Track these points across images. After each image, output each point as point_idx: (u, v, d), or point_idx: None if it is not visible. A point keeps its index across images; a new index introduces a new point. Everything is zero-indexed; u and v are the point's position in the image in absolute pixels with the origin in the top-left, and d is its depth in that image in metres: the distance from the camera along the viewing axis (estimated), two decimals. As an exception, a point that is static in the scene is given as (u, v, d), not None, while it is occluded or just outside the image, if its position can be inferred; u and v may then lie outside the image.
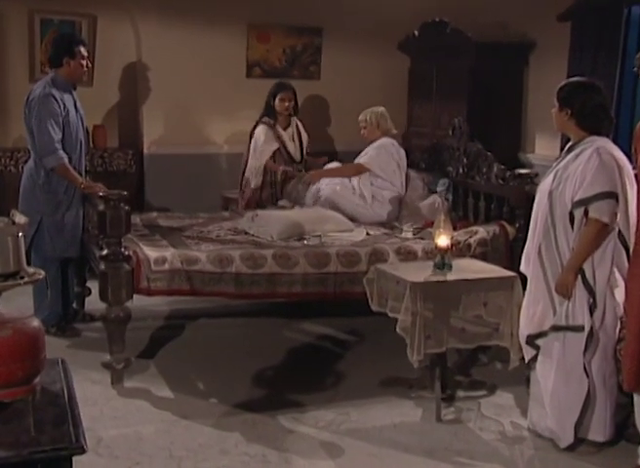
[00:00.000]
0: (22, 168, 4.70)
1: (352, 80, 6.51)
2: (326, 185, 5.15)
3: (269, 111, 5.42)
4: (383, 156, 5.11)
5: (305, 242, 4.40)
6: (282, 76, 6.33)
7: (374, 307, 3.74)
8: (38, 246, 4.40)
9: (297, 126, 5.57)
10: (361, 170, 5.11)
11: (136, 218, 4.74)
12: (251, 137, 5.46)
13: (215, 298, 4.28)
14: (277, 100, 5.40)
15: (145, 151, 6.19)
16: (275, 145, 5.41)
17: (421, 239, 4.53)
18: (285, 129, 5.49)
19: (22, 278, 1.73)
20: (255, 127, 5.45)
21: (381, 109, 5.21)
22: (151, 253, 3.98)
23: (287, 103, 5.42)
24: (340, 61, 6.49)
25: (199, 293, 4.03)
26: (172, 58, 6.10)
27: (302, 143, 5.56)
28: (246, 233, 4.60)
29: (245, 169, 5.48)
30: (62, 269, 4.58)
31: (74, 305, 4.80)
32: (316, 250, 4.23)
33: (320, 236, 4.49)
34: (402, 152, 5.23)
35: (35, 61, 5.86)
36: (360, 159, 5.17)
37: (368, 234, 4.71)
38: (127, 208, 3.78)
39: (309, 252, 4.19)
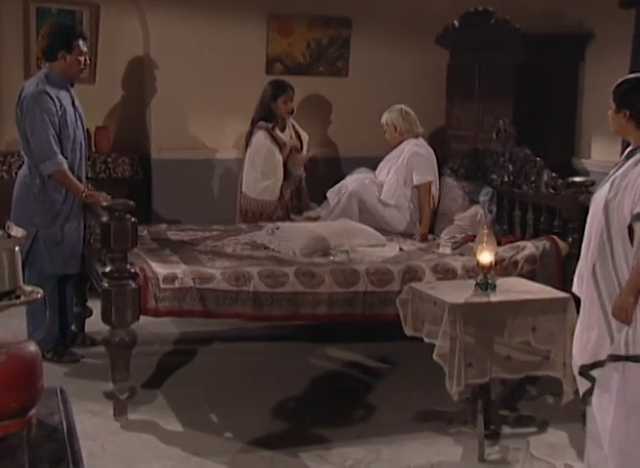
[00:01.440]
0: (16, 174, 4.75)
1: (384, 77, 6.52)
2: (352, 180, 5.20)
3: (266, 114, 5.46)
4: (425, 164, 5.14)
5: (331, 258, 4.42)
6: (306, 73, 6.36)
7: (408, 331, 3.74)
8: (33, 261, 4.42)
9: (292, 125, 5.63)
10: (428, 189, 5.11)
11: (143, 231, 4.76)
12: (247, 143, 5.48)
13: (230, 320, 4.29)
14: (279, 103, 5.46)
15: (153, 156, 6.23)
16: (279, 157, 5.44)
17: (461, 255, 4.52)
18: (282, 130, 5.54)
19: (19, 297, 1.74)
20: (251, 132, 5.47)
21: (398, 108, 5.27)
22: (160, 269, 4.01)
23: (290, 105, 5.50)
24: (371, 56, 6.50)
25: (213, 315, 4.04)
26: (183, 52, 6.14)
27: (303, 143, 5.62)
28: (265, 248, 4.63)
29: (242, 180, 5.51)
30: (60, 287, 4.60)
31: (73, 327, 4.83)
32: (343, 266, 4.24)
33: (348, 251, 4.50)
34: (433, 154, 5.26)
35: (31, 56, 5.90)
36: (415, 178, 5.12)
37: (401, 249, 4.72)
38: (133, 219, 3.81)
39: (336, 269, 4.19)
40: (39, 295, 1.76)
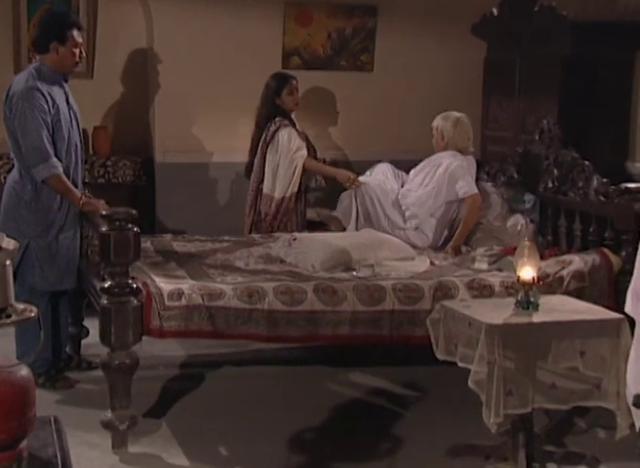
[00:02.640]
0: (5, 179, 4.78)
1: (413, 73, 6.53)
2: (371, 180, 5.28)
3: (272, 113, 5.50)
4: (470, 176, 5.14)
5: (355, 273, 4.41)
6: (326, 67, 6.38)
7: (439, 355, 3.72)
8: (24, 276, 4.42)
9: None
10: (478, 202, 5.08)
11: (146, 242, 4.77)
12: (263, 145, 5.50)
13: (242, 342, 4.31)
14: (284, 96, 5.51)
15: (157, 159, 6.26)
16: (304, 152, 5.50)
17: (500, 270, 4.51)
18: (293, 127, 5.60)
19: (10, 316, 1.75)
20: (260, 135, 5.50)
21: (455, 117, 5.24)
22: (165, 285, 4.02)
23: (297, 96, 5.56)
24: (399, 49, 6.51)
25: (223, 335, 4.05)
26: (190, 44, 6.18)
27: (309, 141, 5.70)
28: (281, 261, 4.64)
29: (258, 185, 5.54)
30: (54, 304, 4.60)
31: (67, 349, 4.84)
32: (368, 282, 4.23)
33: (373, 266, 4.49)
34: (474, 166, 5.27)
35: (21, 47, 5.94)
36: (460, 190, 5.09)
37: (432, 264, 4.71)
38: (135, 229, 3.82)
39: (359, 285, 4.19)
40: (33, 314, 1.77)
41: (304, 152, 5.52)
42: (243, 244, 5.12)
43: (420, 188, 5.26)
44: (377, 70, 6.55)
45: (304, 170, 5.54)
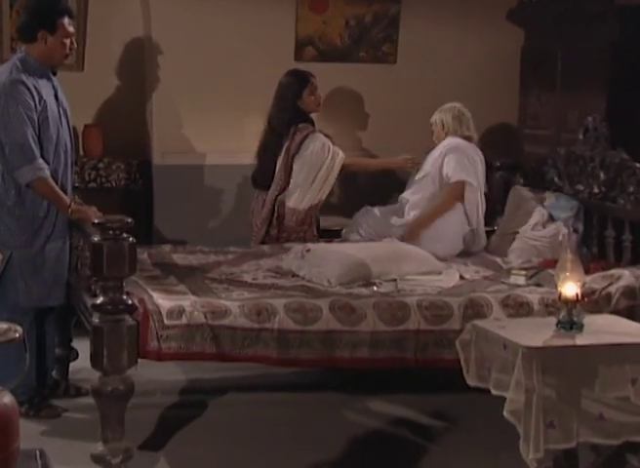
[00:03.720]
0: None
1: (441, 64, 6.53)
2: None
3: (299, 115, 5.52)
4: (464, 162, 5.24)
5: (375, 288, 4.42)
6: (344, 59, 6.37)
7: (470, 381, 3.69)
8: (6, 290, 4.44)
9: None
10: (459, 189, 5.20)
11: (143, 254, 4.79)
12: (290, 158, 5.50)
13: (250, 365, 4.28)
14: (306, 97, 5.54)
15: (155, 161, 6.28)
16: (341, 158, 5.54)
17: (538, 285, 4.50)
18: None
19: (-9, 337, 1.75)
20: (301, 142, 5.48)
21: (450, 106, 5.42)
22: (164, 301, 4.02)
23: (319, 96, 5.60)
24: (426, 38, 6.52)
25: (228, 358, 4.04)
26: (193, 33, 6.20)
27: None
28: (293, 275, 4.64)
29: (277, 197, 5.55)
30: (39, 323, 4.60)
31: (54, 374, 4.83)
32: (390, 299, 4.23)
33: (395, 280, 4.50)
34: (480, 160, 5.33)
35: (3, 36, 5.97)
36: (449, 170, 5.24)
37: (462, 278, 4.72)
38: (131, 239, 3.81)
39: (380, 302, 4.19)
40: (17, 335, 1.76)
41: (342, 154, 5.54)
42: (251, 255, 5.12)
43: (418, 179, 5.41)
44: (400, 62, 6.56)
45: (343, 170, 5.57)
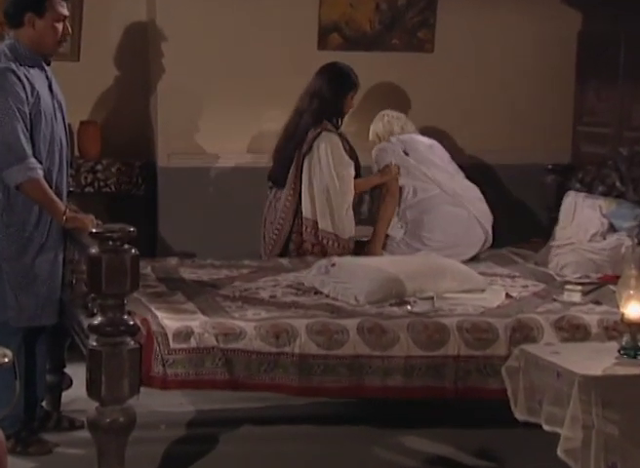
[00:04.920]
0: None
1: (486, 52, 6.53)
2: None
3: (333, 113, 5.61)
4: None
5: (409, 307, 4.41)
6: (374, 47, 6.37)
7: (519, 414, 3.69)
8: None
9: None
10: (393, 192, 5.65)
11: (146, 267, 4.80)
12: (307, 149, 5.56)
13: (266, 395, 4.29)
14: (347, 100, 5.66)
15: (160, 163, 6.30)
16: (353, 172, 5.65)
17: (597, 303, 4.50)
18: None
19: (-23, 362, 1.75)
20: (315, 136, 5.54)
21: (381, 115, 5.89)
22: (170, 321, 4.02)
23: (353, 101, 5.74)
24: (467, 22, 6.52)
25: (242, 386, 4.04)
26: (203, 18, 6.21)
27: None
28: (316, 292, 4.65)
29: (287, 203, 5.60)
30: (28, 345, 4.59)
31: (44, 404, 4.83)
32: (426, 320, 4.22)
33: (432, 298, 4.48)
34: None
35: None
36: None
37: (509, 296, 4.70)
38: (133, 251, 3.83)
39: (415, 323, 4.18)
40: (7, 360, 1.77)
41: (352, 172, 5.65)
42: (268, 270, 5.13)
43: None
44: (438, 50, 6.56)
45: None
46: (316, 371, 4.03)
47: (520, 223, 6.43)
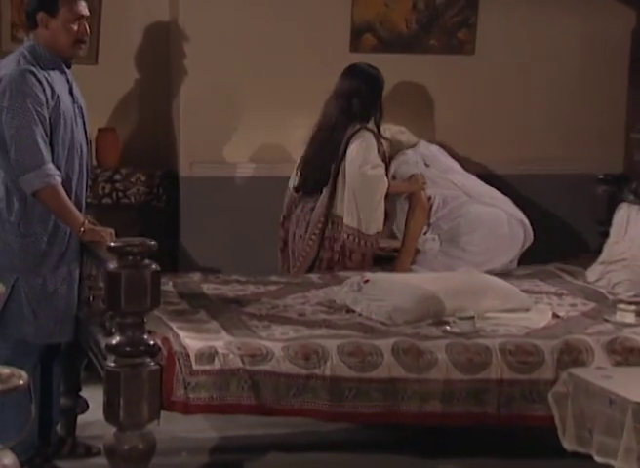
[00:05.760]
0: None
1: (531, 54, 6.50)
2: None
3: (374, 112, 5.71)
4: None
5: (448, 328, 4.41)
6: (410, 49, 6.37)
7: (567, 444, 3.68)
8: (8, 324, 4.44)
9: None
10: (423, 204, 5.64)
11: (167, 283, 4.83)
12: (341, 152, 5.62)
13: (295, 420, 4.30)
14: (382, 100, 5.75)
15: (182, 173, 6.31)
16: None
17: (653, 324, 4.48)
18: None
19: (-9, 384, 1.76)
20: (353, 133, 5.61)
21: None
22: (192, 341, 4.03)
23: None
24: (511, 22, 6.51)
25: (270, 411, 4.05)
26: (226, 18, 6.22)
27: None
28: (348, 311, 4.65)
29: (322, 218, 5.64)
30: (43, 366, 4.60)
31: (58, 429, 4.83)
32: (466, 341, 4.22)
33: (473, 318, 4.47)
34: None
35: (1, 24, 6.05)
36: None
37: (556, 316, 4.68)
38: (154, 266, 3.85)
39: (455, 344, 4.19)
40: (21, 382, 1.78)
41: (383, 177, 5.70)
42: (296, 286, 5.14)
43: None
44: (479, 52, 6.55)
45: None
46: (348, 396, 4.03)
47: (568, 237, 6.42)
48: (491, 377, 4.12)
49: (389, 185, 5.66)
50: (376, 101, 5.69)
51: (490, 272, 5.21)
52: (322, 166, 5.70)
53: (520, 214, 5.72)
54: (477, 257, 5.55)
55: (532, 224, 5.71)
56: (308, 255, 5.66)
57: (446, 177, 5.75)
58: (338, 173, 5.64)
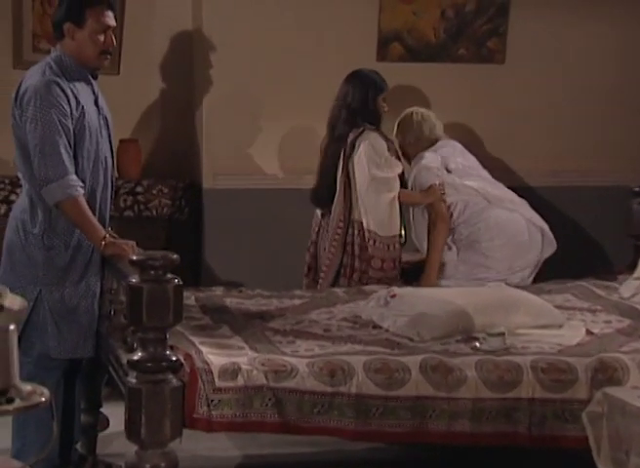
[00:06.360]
0: (8, 210, 4.85)
1: (563, 64, 6.51)
2: None
3: (371, 118, 5.71)
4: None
5: (478, 344, 4.40)
6: (439, 58, 6.39)
7: (602, 465, 3.67)
8: (30, 338, 4.45)
9: None
10: (443, 216, 5.69)
11: (190, 298, 4.84)
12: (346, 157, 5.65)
13: (320, 439, 4.29)
14: (380, 100, 5.75)
15: (205, 185, 6.35)
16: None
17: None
18: None
19: (12, 401, 1.76)
20: (357, 136, 5.64)
21: (406, 121, 5.90)
22: (215, 357, 4.04)
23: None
24: (542, 32, 6.51)
25: (294, 429, 4.04)
26: (252, 27, 6.26)
27: None
28: (375, 326, 4.65)
29: (338, 230, 5.67)
30: (66, 382, 4.62)
31: (78, 447, 4.84)
32: (497, 358, 4.21)
33: (504, 334, 4.45)
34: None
35: (23, 34, 6.09)
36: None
37: (590, 333, 4.66)
38: (177, 281, 3.85)
39: (485, 362, 4.17)
40: (43, 399, 1.79)
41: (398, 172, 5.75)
42: (321, 301, 5.14)
43: None
44: (510, 61, 6.57)
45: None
46: (374, 414, 4.01)
47: (602, 252, 6.41)
48: (522, 396, 4.09)
49: (400, 188, 5.73)
50: (369, 103, 5.69)
51: (510, 284, 5.28)
52: (335, 177, 5.75)
53: (538, 220, 5.75)
54: (498, 264, 5.60)
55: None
56: (332, 263, 5.69)
57: (466, 184, 5.78)
58: (349, 177, 5.67)
